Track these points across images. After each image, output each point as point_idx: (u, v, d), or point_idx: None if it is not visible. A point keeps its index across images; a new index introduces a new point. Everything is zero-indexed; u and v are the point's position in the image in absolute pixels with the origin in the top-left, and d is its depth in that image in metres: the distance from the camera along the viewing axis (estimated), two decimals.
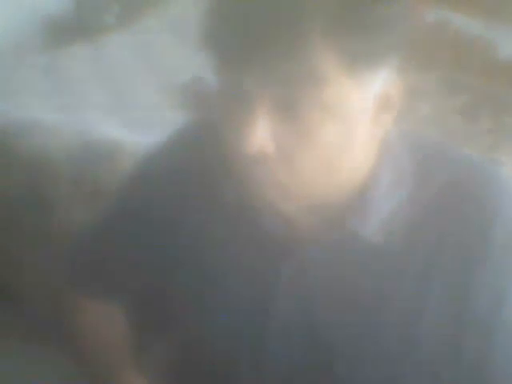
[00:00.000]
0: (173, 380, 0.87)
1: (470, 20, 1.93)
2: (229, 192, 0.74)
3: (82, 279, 0.93)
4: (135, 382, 0.84)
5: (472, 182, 0.72)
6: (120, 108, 1.72)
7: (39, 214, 1.56)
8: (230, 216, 0.76)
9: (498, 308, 0.70)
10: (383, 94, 0.67)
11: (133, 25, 2.11)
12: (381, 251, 0.71)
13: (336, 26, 0.60)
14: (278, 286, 0.74)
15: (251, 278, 0.76)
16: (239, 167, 0.67)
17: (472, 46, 1.86)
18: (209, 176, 0.78)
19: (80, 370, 0.92)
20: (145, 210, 0.84)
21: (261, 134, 0.64)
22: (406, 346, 0.71)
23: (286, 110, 0.64)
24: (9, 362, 1.44)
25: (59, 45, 1.97)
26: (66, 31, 2.02)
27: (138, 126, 1.60)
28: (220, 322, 0.78)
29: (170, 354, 0.88)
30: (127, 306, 0.90)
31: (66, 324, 0.95)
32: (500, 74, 1.78)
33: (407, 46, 0.66)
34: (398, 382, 0.72)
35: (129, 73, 1.92)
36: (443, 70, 1.81)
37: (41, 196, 1.56)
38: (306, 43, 0.60)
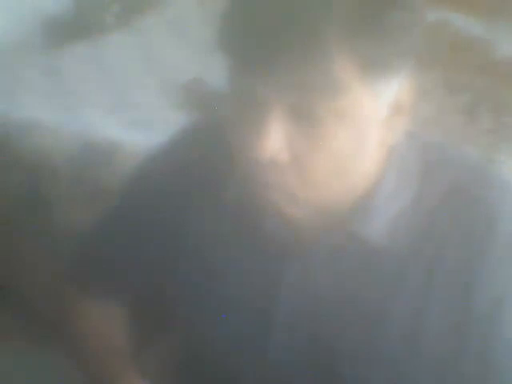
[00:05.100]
0: (173, 380, 0.87)
1: (469, 20, 1.93)
2: (232, 192, 0.74)
3: (83, 279, 0.93)
4: (136, 383, 0.84)
5: (475, 184, 0.73)
6: (120, 108, 1.72)
7: (39, 213, 1.56)
8: (232, 217, 0.76)
9: (499, 309, 0.70)
10: (396, 99, 0.67)
11: (133, 25, 2.10)
12: (384, 253, 0.71)
13: (351, 31, 0.60)
14: (281, 288, 0.74)
15: (253, 279, 0.76)
16: (247, 169, 0.67)
17: (472, 46, 1.86)
18: (211, 176, 0.78)
19: (80, 371, 0.92)
20: (146, 209, 0.84)
21: (274, 139, 0.64)
22: (408, 348, 0.71)
23: (300, 115, 0.64)
24: (9, 362, 1.44)
25: (59, 45, 1.96)
26: (66, 31, 2.01)
27: (138, 125, 1.60)
28: (221, 323, 0.78)
29: (171, 354, 0.88)
30: (128, 306, 0.90)
31: (66, 325, 0.95)
32: (500, 74, 1.78)
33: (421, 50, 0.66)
34: (399, 382, 0.72)
35: (129, 73, 1.91)
36: (443, 70, 1.80)
37: (41, 196, 1.56)
38: (321, 49, 0.60)
